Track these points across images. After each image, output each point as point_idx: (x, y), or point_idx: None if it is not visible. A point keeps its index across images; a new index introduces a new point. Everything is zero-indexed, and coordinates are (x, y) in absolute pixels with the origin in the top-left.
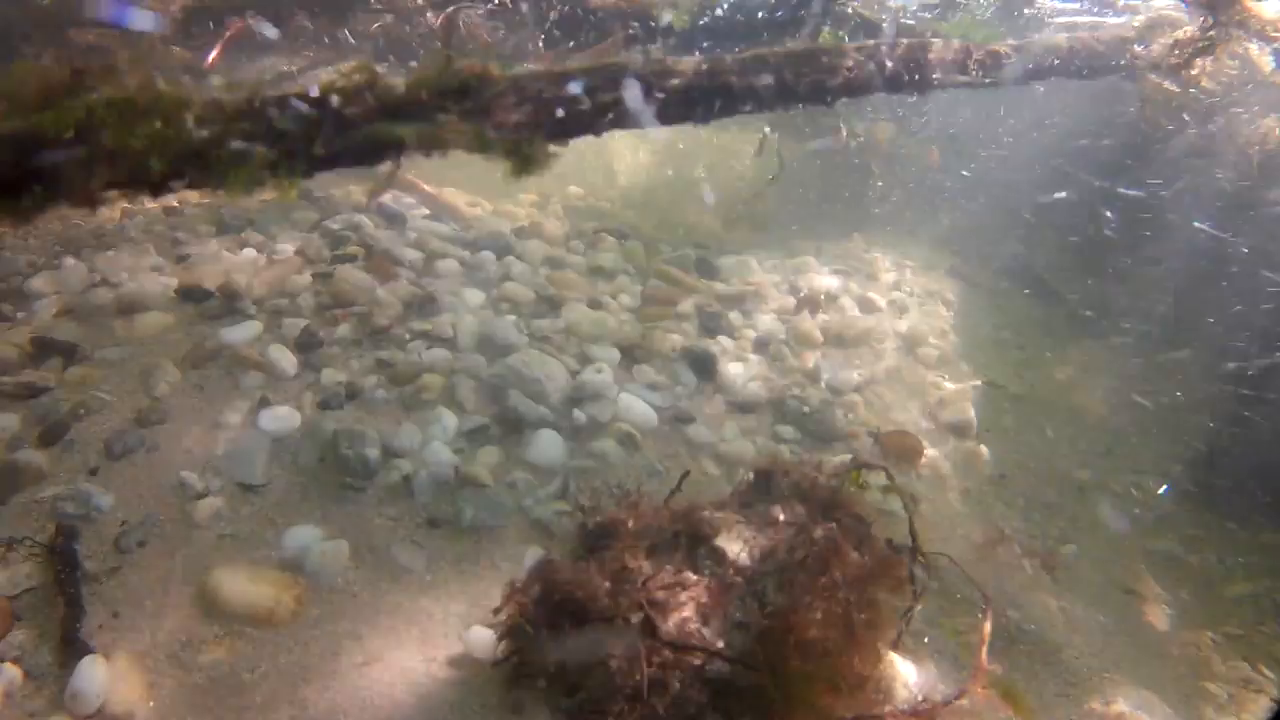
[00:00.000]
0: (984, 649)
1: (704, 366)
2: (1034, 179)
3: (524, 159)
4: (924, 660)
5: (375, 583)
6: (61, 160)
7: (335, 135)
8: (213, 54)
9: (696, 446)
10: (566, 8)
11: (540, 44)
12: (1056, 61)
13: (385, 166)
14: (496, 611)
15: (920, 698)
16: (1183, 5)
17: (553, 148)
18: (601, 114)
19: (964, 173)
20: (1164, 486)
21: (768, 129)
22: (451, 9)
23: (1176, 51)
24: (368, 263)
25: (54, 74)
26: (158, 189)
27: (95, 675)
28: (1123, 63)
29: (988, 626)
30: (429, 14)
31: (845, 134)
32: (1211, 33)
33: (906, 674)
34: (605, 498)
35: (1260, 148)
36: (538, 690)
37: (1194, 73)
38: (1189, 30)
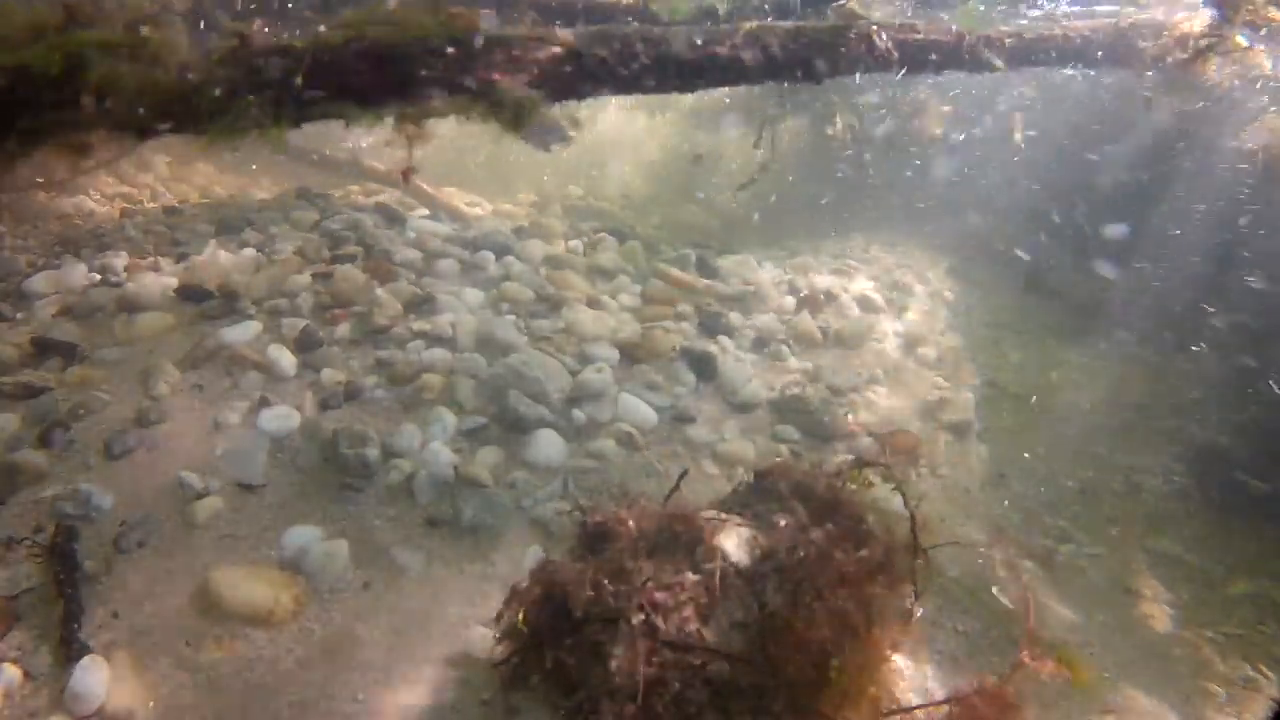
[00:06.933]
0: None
1: (704, 366)
2: (1036, 179)
3: (516, 114)
4: (925, 660)
5: (375, 583)
6: (49, 98)
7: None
8: None
9: (696, 446)
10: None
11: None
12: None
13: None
14: (498, 619)
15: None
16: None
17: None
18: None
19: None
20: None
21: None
22: None
23: (1181, 48)
24: (367, 262)
25: (44, 12)
26: (143, 131)
27: (95, 675)
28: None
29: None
30: None
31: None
32: (1220, 32)
33: (907, 674)
34: (605, 497)
35: (1265, 147)
36: (537, 691)
37: (1203, 70)
38: (1193, 27)
